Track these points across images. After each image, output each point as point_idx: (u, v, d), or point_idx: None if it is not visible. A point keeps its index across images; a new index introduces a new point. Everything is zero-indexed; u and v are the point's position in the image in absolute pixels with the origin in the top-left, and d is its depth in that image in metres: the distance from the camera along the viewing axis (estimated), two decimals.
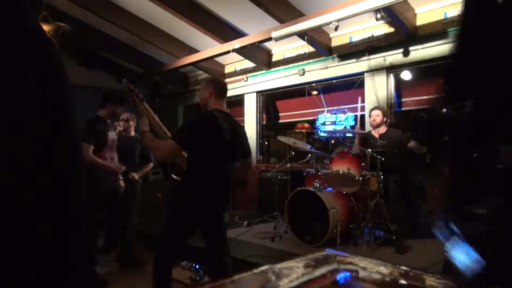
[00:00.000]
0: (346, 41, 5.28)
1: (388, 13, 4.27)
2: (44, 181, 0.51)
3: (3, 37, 0.46)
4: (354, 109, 5.28)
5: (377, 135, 4.23)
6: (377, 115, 4.19)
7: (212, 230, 2.37)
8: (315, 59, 5.66)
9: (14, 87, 0.46)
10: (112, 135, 3.35)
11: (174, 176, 2.50)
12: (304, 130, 6.33)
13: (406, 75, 4.84)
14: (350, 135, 4.72)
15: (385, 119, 4.23)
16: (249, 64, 6.50)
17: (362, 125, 4.93)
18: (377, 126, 4.21)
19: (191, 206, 2.29)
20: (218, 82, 2.48)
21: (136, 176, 3.69)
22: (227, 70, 7.10)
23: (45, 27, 3.60)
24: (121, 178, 3.38)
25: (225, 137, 2.30)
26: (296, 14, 4.80)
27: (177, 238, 2.33)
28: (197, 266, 3.52)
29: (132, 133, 3.92)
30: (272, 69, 6.26)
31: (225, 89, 2.48)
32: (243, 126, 2.76)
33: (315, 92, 5.94)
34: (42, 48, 0.52)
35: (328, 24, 4.28)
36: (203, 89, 2.43)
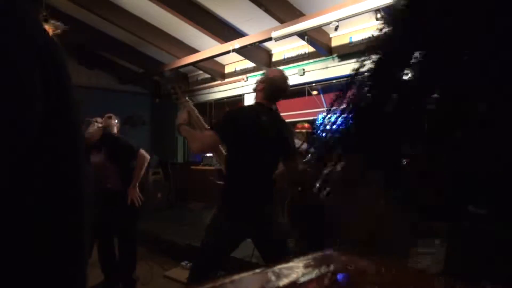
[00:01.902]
0: (346, 41, 5.28)
1: (388, 13, 4.26)
2: (45, 185, 0.51)
3: (8, 38, 0.46)
4: None
5: None
6: None
7: (264, 240, 2.12)
8: (315, 59, 5.66)
9: (19, 89, 0.46)
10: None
11: (221, 183, 2.38)
12: (304, 130, 6.32)
13: (406, 75, 4.84)
14: None
15: None
16: (249, 64, 6.50)
17: None
18: None
19: (232, 215, 2.07)
20: (272, 82, 2.17)
21: (136, 196, 3.20)
22: (227, 70, 7.10)
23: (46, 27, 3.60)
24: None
25: (267, 132, 2.09)
26: (296, 14, 4.80)
27: (218, 252, 2.11)
28: None
29: (115, 131, 3.86)
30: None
31: (277, 91, 2.19)
32: (288, 123, 2.49)
33: (315, 92, 5.95)
34: (48, 51, 0.52)
35: (328, 24, 4.28)
36: (258, 81, 2.22)
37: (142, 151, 3.27)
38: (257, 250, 2.25)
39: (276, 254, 2.02)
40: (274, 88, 2.17)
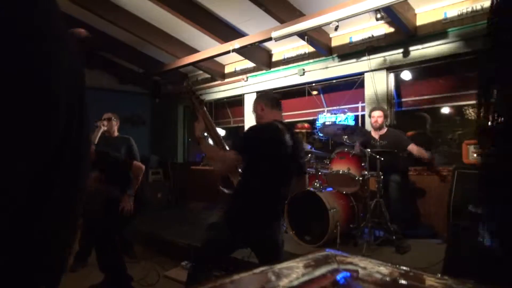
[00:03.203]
0: (346, 41, 5.28)
1: (388, 13, 4.27)
2: (53, 199, 0.52)
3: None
4: (354, 109, 5.28)
5: (377, 136, 4.23)
6: (379, 116, 4.18)
7: (264, 248, 2.18)
8: (315, 59, 5.66)
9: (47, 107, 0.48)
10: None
11: (224, 190, 2.37)
12: (304, 130, 6.32)
13: (406, 75, 4.84)
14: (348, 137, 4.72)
15: (386, 120, 4.22)
16: (249, 64, 6.50)
17: (363, 125, 4.93)
18: (379, 128, 4.21)
19: (244, 220, 2.13)
20: (266, 95, 2.49)
21: (128, 204, 3.18)
22: (227, 70, 7.10)
23: None
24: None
25: (287, 150, 2.19)
26: (296, 14, 4.80)
27: (220, 253, 2.22)
28: None
29: (116, 133, 3.81)
30: (272, 69, 6.26)
31: (276, 99, 2.39)
32: (302, 140, 2.59)
33: (315, 92, 5.95)
34: (74, 73, 0.55)
35: (328, 24, 4.28)
36: (254, 106, 2.37)
37: (137, 163, 3.28)
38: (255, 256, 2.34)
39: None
40: (270, 98, 2.37)
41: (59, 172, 0.52)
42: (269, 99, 2.36)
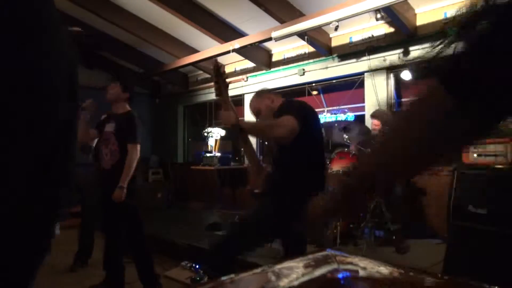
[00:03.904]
0: (346, 41, 5.28)
1: (388, 13, 4.27)
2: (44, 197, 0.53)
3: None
4: (354, 109, 5.28)
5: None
6: (376, 125, 4.16)
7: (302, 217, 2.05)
8: (315, 59, 5.66)
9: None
10: (109, 127, 2.93)
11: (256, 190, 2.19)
12: None
13: (406, 75, 4.84)
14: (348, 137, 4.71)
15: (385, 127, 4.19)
16: (249, 64, 6.50)
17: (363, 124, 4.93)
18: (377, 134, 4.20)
19: (302, 193, 2.02)
20: (266, 89, 2.45)
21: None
22: (227, 70, 7.08)
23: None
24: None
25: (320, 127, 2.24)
26: (296, 14, 4.80)
27: (273, 233, 2.14)
28: (197, 266, 3.51)
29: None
30: (272, 69, 6.26)
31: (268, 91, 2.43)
32: None
33: (315, 92, 5.94)
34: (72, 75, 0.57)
35: (328, 24, 4.28)
36: (260, 102, 2.25)
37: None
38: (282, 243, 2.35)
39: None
40: (266, 91, 2.39)
41: (56, 162, 0.53)
42: (271, 92, 2.33)
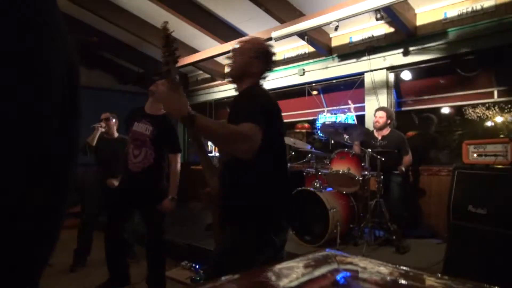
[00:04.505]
0: (346, 41, 5.28)
1: (388, 13, 4.27)
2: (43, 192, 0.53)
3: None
4: (353, 109, 5.28)
5: (379, 136, 4.23)
6: (381, 117, 4.17)
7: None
8: (315, 59, 5.66)
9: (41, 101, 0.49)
10: (144, 129, 2.79)
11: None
12: (304, 130, 6.32)
13: (406, 75, 4.84)
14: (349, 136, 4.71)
15: (388, 121, 4.20)
16: None
17: (363, 125, 4.93)
18: (380, 128, 4.20)
19: (273, 225, 1.57)
20: (271, 55, 1.80)
21: (115, 182, 3.28)
22: (227, 70, 7.10)
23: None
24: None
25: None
26: (296, 14, 4.80)
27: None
28: (197, 266, 3.52)
29: (116, 134, 3.75)
30: (272, 69, 6.25)
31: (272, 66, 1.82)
32: None
33: (315, 92, 5.95)
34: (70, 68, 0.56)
35: (328, 24, 4.28)
36: (247, 52, 1.72)
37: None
38: None
39: None
40: (271, 63, 1.89)
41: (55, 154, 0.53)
42: (271, 64, 1.80)
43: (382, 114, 4.17)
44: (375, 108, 4.43)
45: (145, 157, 2.78)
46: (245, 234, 1.54)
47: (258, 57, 1.72)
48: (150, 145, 2.76)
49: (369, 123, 4.70)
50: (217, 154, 6.22)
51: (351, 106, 4.98)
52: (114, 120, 3.75)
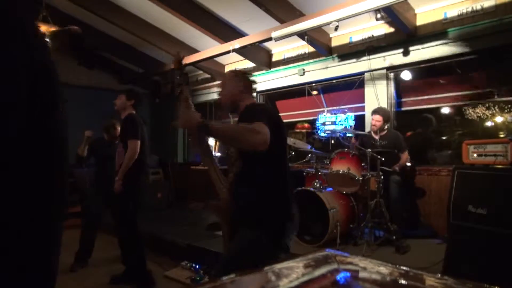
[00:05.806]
0: (346, 41, 5.28)
1: (388, 13, 4.27)
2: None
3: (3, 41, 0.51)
4: (354, 109, 5.28)
5: (377, 136, 4.23)
6: (377, 120, 4.16)
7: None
8: (315, 59, 5.66)
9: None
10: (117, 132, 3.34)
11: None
12: (304, 130, 6.33)
13: (406, 75, 4.84)
14: (350, 134, 4.72)
15: (386, 125, 4.21)
16: (249, 64, 6.50)
17: (363, 125, 4.93)
18: (377, 131, 4.21)
19: (280, 228, 1.69)
20: (248, 76, 1.94)
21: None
22: (227, 70, 7.10)
23: (53, 28, 3.59)
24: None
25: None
26: (296, 14, 4.80)
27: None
28: (197, 266, 3.52)
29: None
30: (272, 69, 6.26)
31: (253, 86, 1.97)
32: None
33: (315, 92, 5.94)
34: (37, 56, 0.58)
35: (328, 24, 4.28)
36: (230, 82, 1.88)
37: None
38: None
39: None
40: (251, 82, 1.99)
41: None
42: (251, 82, 1.92)
43: (378, 118, 4.17)
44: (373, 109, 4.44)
45: (119, 155, 3.20)
46: (262, 240, 1.64)
47: (237, 80, 1.89)
48: (120, 142, 3.23)
49: (368, 123, 4.70)
50: (217, 154, 6.23)
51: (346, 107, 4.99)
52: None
